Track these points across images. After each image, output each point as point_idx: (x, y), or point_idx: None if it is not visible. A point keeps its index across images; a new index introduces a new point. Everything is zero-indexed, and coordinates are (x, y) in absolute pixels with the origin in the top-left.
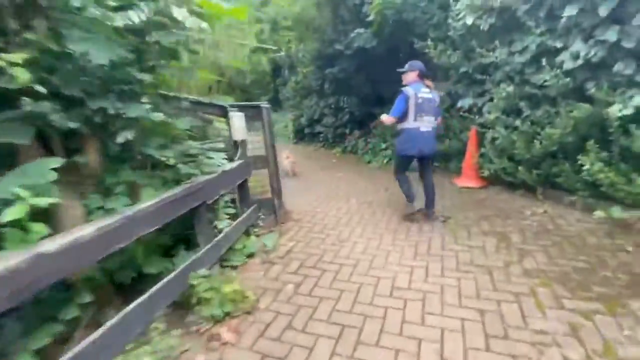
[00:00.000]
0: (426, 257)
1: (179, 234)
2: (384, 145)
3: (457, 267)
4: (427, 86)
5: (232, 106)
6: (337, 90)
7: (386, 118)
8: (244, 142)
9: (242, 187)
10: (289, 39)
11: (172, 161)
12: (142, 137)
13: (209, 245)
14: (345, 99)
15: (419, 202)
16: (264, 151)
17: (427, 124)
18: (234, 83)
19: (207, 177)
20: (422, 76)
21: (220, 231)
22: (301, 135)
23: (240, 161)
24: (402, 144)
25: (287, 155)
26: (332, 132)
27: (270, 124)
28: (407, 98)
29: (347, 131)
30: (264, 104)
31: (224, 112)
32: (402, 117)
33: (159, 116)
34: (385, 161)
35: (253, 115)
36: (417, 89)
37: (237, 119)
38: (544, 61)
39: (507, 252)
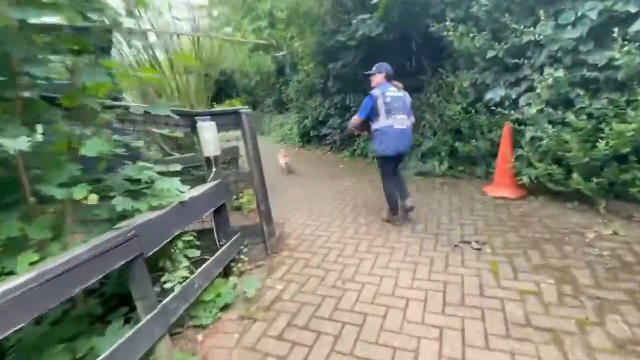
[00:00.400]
0: (459, 310)
1: (118, 293)
2: None
3: (506, 331)
4: (395, 86)
5: (202, 114)
6: (342, 87)
7: (353, 119)
8: (218, 158)
9: (219, 215)
10: (291, 35)
11: (92, 198)
12: (40, 170)
13: (150, 315)
14: (352, 96)
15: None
16: (248, 165)
17: (400, 121)
18: (238, 85)
19: (146, 216)
20: (388, 78)
21: (172, 289)
22: (307, 138)
23: (214, 183)
24: (379, 145)
25: (284, 154)
26: (339, 134)
27: (252, 133)
28: (375, 98)
29: (355, 132)
30: (244, 109)
31: (190, 123)
32: (373, 118)
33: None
34: None
35: (230, 123)
36: (384, 89)
37: (207, 130)
38: (613, 32)
39: (577, 304)
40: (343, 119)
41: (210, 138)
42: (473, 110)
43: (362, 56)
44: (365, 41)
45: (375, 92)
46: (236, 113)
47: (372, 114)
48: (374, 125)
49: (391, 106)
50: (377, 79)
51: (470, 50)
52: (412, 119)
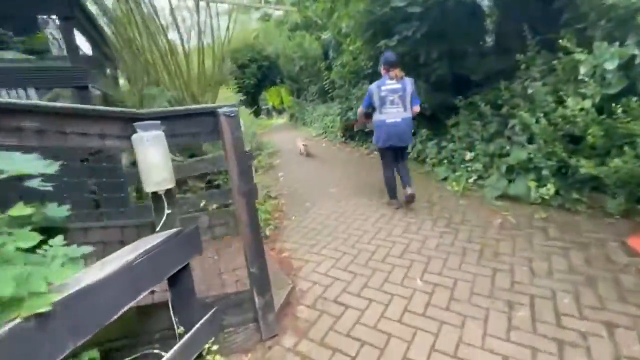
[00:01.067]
0: None
1: None
2: (470, 155)
3: None
4: (395, 77)
5: (146, 117)
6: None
7: (358, 109)
8: (173, 192)
9: (179, 283)
10: (330, 6)
11: None
12: None
13: None
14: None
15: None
16: (234, 202)
17: (394, 115)
18: (283, 72)
19: None
20: (387, 68)
21: None
22: (351, 132)
23: (167, 235)
24: (375, 137)
25: (304, 144)
26: None
27: (239, 147)
28: (371, 94)
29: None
30: (226, 108)
31: (125, 131)
32: (372, 110)
33: None
34: (472, 180)
35: (203, 132)
36: (380, 83)
37: (150, 147)
38: None
39: None
40: None
41: (156, 160)
42: (619, 109)
43: (426, 29)
44: (434, 5)
45: (372, 87)
46: (211, 114)
47: (372, 107)
48: (373, 118)
49: (384, 100)
50: (383, 70)
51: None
52: (416, 108)
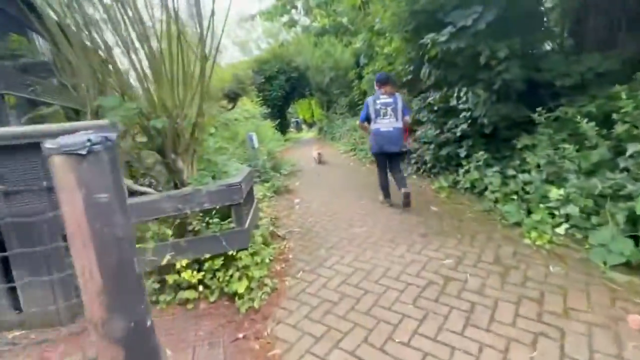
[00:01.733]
0: None
1: None
2: (559, 192)
3: None
4: (386, 92)
5: None
6: (445, 77)
7: (358, 123)
8: None
9: None
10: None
11: None
12: None
13: None
14: (465, 92)
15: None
16: None
17: (386, 124)
18: (312, 84)
19: None
20: (379, 85)
21: None
22: None
23: None
24: (370, 142)
25: (318, 152)
26: (433, 151)
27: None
28: (367, 106)
29: (462, 152)
30: (74, 137)
31: None
32: (368, 122)
33: None
34: (562, 229)
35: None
36: (375, 97)
37: None
38: None
39: None
40: (442, 129)
41: None
42: None
43: (493, 17)
44: None
45: (369, 100)
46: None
47: (368, 118)
48: (370, 127)
49: (379, 112)
50: (375, 87)
51: None
52: (407, 118)
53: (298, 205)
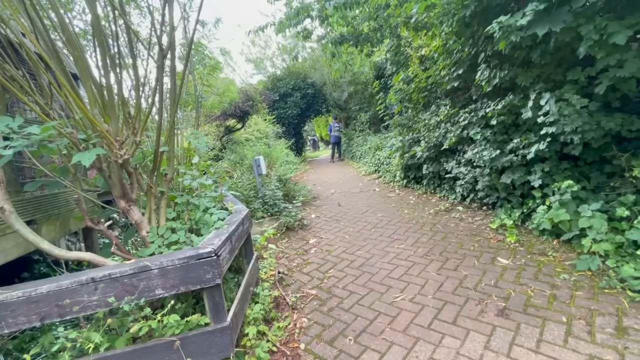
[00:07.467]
0: None
1: None
2: None
3: None
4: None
5: None
6: (513, 80)
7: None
8: None
9: None
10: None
11: None
12: None
13: None
14: (544, 95)
15: None
16: None
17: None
18: (329, 100)
19: None
20: (335, 118)
21: None
22: (415, 173)
23: None
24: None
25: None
26: (489, 177)
27: None
28: (330, 128)
29: (535, 179)
30: None
31: None
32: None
33: None
34: None
35: None
36: (332, 124)
37: None
38: None
39: None
40: (502, 149)
41: None
42: None
43: None
44: None
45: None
46: None
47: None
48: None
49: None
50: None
51: None
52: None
53: (314, 249)
